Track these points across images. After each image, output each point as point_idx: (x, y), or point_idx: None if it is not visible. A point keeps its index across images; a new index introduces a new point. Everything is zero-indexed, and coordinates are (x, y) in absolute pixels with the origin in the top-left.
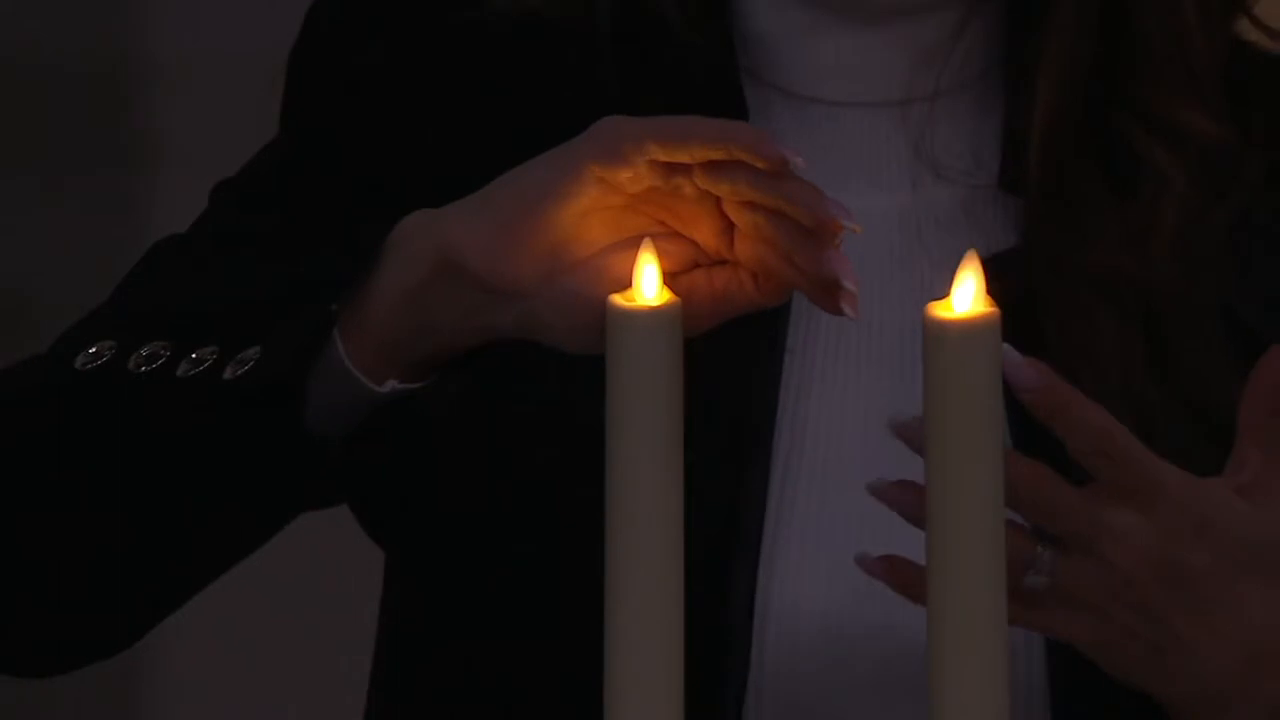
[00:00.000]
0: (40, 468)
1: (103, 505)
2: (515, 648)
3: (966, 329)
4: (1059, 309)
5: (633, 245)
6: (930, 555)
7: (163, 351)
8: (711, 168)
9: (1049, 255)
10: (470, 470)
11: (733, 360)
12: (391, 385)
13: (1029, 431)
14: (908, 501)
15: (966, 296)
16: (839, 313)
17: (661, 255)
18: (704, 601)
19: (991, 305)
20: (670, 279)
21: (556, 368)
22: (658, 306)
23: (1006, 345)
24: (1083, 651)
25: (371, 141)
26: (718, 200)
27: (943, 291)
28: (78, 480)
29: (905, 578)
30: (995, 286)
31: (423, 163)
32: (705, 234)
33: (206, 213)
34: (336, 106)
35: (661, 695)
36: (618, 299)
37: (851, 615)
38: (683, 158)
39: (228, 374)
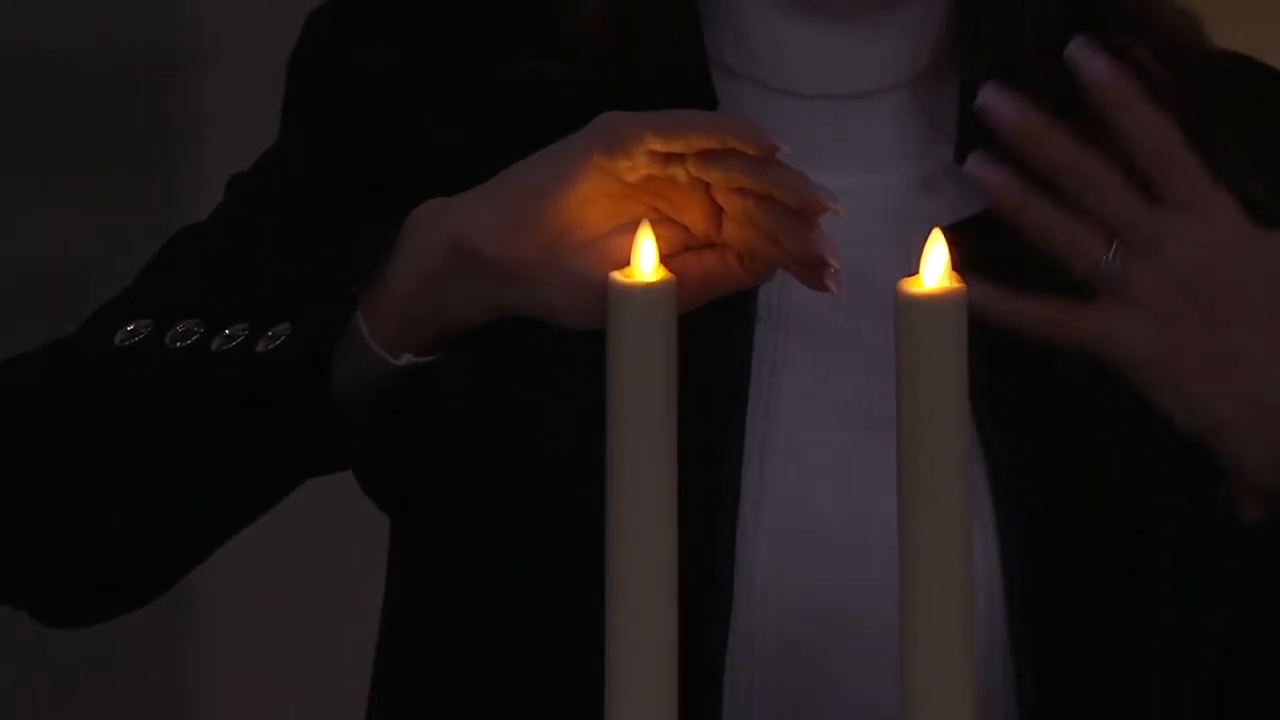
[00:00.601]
0: (80, 436)
1: (137, 470)
2: (515, 648)
3: (934, 303)
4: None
5: (630, 229)
6: (901, 509)
7: (196, 329)
8: (704, 156)
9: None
10: (471, 470)
11: (709, 330)
12: (407, 359)
13: (1000, 399)
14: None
15: (935, 272)
16: (824, 289)
17: (657, 239)
18: (687, 564)
19: (957, 280)
20: (662, 261)
21: (556, 369)
22: (655, 282)
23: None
24: (1133, 371)
25: (371, 143)
26: (708, 187)
27: (911, 266)
28: (115, 447)
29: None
30: (965, 251)
31: (422, 164)
32: (696, 218)
33: (221, 205)
34: (336, 108)
35: (656, 650)
36: (618, 276)
37: (828, 576)
38: (678, 147)
39: (260, 348)
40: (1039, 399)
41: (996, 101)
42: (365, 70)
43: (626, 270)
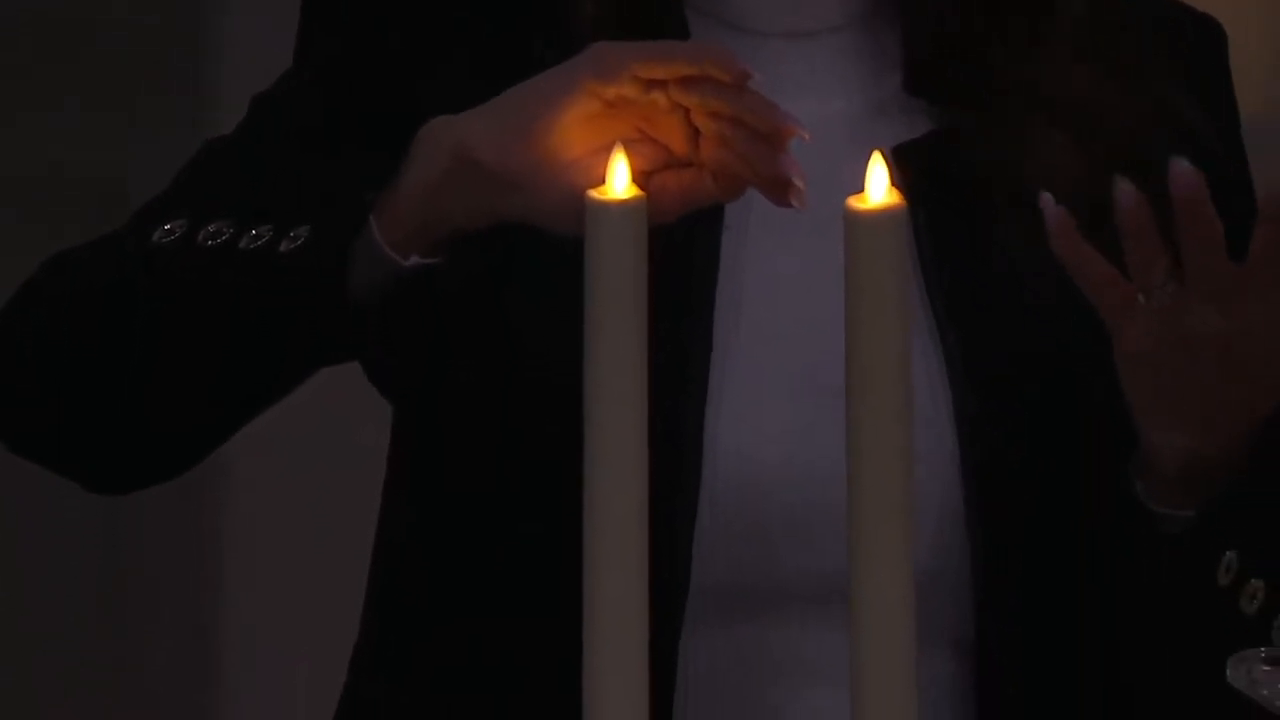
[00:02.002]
0: (120, 322)
1: (169, 355)
2: (519, 626)
3: (877, 217)
4: (989, 179)
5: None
6: (849, 402)
7: (226, 229)
8: (684, 83)
9: (965, 139)
10: (479, 450)
11: (683, 237)
12: (415, 260)
13: (954, 298)
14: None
15: (877, 189)
16: (788, 205)
17: (638, 157)
18: (658, 444)
19: (898, 196)
20: (644, 177)
21: (564, 348)
22: (626, 199)
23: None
24: (1120, 342)
25: (374, 78)
26: (687, 111)
27: (860, 183)
28: (150, 333)
29: (1071, 240)
30: (912, 169)
31: (424, 99)
32: (675, 139)
33: (245, 120)
34: (343, 43)
35: (629, 518)
36: (594, 193)
37: (788, 453)
38: (660, 74)
39: (283, 247)
40: (989, 299)
41: (1185, 172)
42: (373, 8)
43: (602, 188)
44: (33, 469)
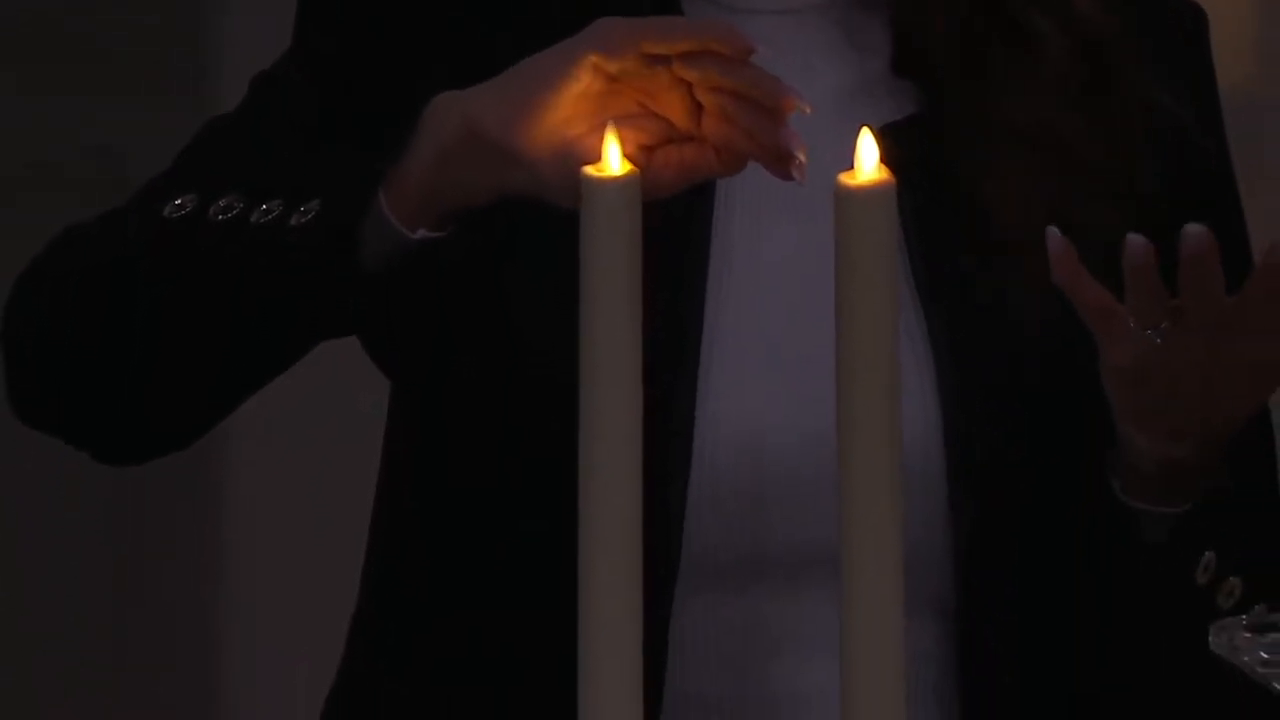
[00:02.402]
0: (130, 295)
1: (179, 328)
2: (520, 619)
3: (867, 193)
4: (968, 164)
5: (620, 123)
6: (839, 374)
7: (237, 203)
8: (686, 58)
9: (957, 116)
10: (481, 447)
11: (674, 214)
12: (422, 233)
13: (938, 277)
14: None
15: (867, 165)
16: (789, 178)
17: (640, 132)
18: (652, 417)
19: (887, 173)
20: (647, 152)
21: (567, 344)
22: (620, 176)
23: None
24: (1109, 355)
25: (370, 78)
26: (689, 86)
27: (849, 158)
28: (161, 306)
29: (1072, 268)
30: (895, 151)
31: (419, 100)
32: (678, 114)
33: (246, 99)
34: (338, 43)
35: (625, 487)
36: (590, 170)
37: (778, 421)
38: (663, 50)
39: (293, 222)
40: (972, 277)
41: (1199, 238)
42: (369, 12)
43: (598, 165)
44: (32, 469)
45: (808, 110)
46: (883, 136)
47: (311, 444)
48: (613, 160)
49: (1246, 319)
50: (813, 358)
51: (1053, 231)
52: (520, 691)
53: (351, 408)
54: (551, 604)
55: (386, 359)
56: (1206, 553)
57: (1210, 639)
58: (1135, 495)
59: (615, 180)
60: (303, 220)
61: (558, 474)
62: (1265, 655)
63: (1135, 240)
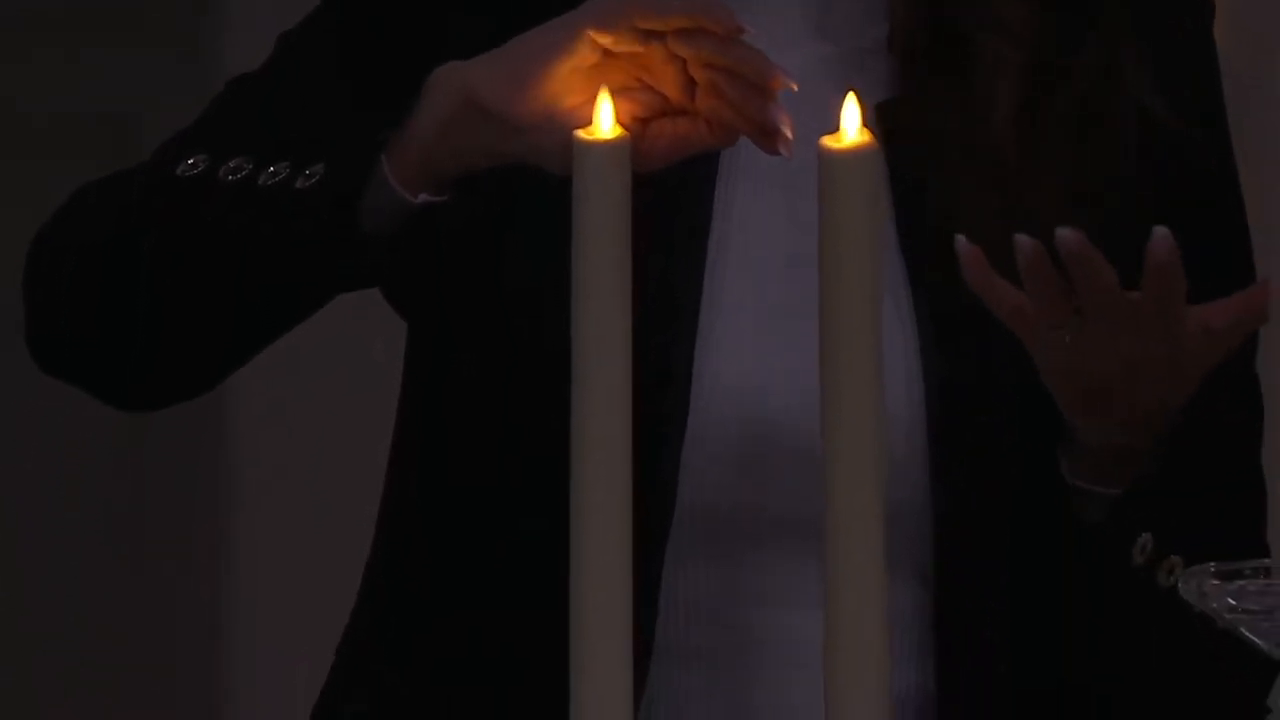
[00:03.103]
0: (138, 253)
1: (190, 284)
2: (520, 619)
3: (850, 156)
4: (923, 157)
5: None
6: (823, 328)
7: (246, 165)
8: (680, 35)
9: (914, 112)
10: (481, 445)
11: (673, 183)
12: (423, 197)
13: (920, 239)
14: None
15: (851, 129)
16: (776, 153)
17: (636, 104)
18: (649, 372)
19: (870, 136)
20: (642, 124)
21: (565, 338)
22: (611, 139)
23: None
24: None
25: (399, 24)
26: (683, 61)
27: (834, 122)
28: (172, 263)
29: (983, 273)
30: (878, 129)
31: (447, 48)
32: (672, 88)
33: (270, 59)
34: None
35: (616, 451)
36: (581, 133)
37: (774, 382)
38: (658, 26)
39: (299, 184)
40: (952, 248)
41: (1071, 240)
42: None
43: (589, 128)
44: (32, 468)
45: (794, 88)
46: (875, 112)
47: (315, 445)
48: (603, 123)
49: (1147, 316)
50: (809, 321)
51: (960, 239)
52: (520, 691)
53: (354, 406)
54: (551, 604)
55: (401, 304)
56: (1143, 535)
57: (1180, 586)
58: (1081, 477)
59: (605, 142)
60: (307, 183)
61: (558, 473)
62: (1232, 602)
63: (1024, 240)
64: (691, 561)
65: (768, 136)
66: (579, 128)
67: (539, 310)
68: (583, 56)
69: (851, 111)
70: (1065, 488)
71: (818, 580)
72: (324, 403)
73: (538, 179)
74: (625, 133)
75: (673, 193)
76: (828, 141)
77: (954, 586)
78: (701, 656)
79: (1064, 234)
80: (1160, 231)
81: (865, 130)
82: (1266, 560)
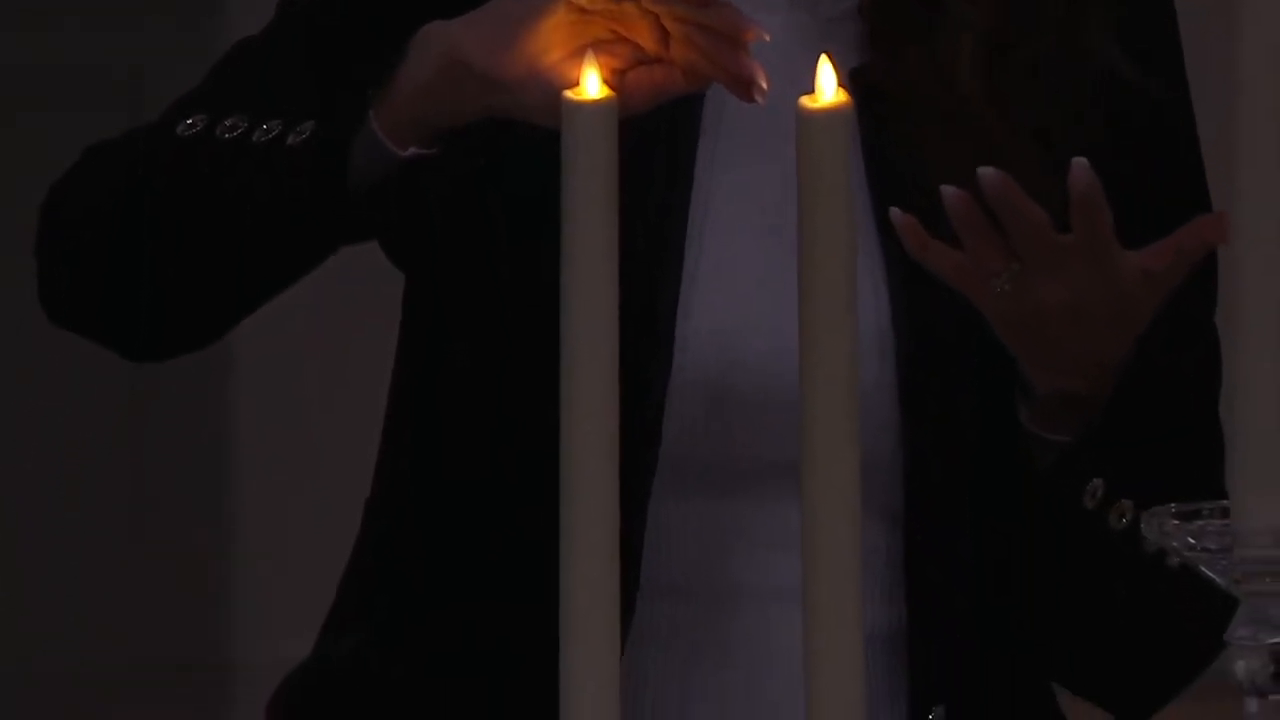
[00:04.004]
0: (142, 210)
1: (194, 238)
2: (515, 612)
3: (825, 115)
4: (896, 118)
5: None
6: (801, 281)
7: (241, 123)
8: None
9: (885, 75)
10: (476, 438)
11: (665, 136)
12: (412, 150)
13: (892, 198)
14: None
15: (826, 89)
16: (752, 101)
17: (613, 56)
18: (633, 321)
19: (845, 96)
20: (619, 75)
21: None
22: (598, 99)
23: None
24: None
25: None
26: (657, 15)
27: (811, 85)
28: (175, 217)
29: (920, 240)
30: (854, 92)
31: (432, 7)
32: (647, 39)
33: (272, 22)
34: None
35: (603, 399)
36: (569, 94)
37: (756, 332)
38: None
39: (290, 140)
40: (923, 205)
41: (989, 177)
42: None
43: (577, 90)
44: (32, 468)
45: (766, 38)
46: (846, 76)
47: (315, 448)
48: (591, 86)
49: (1079, 253)
50: (788, 271)
51: (894, 210)
52: (515, 684)
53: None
54: (546, 597)
55: (398, 256)
56: (1094, 480)
57: (1142, 526)
58: (1038, 425)
59: (593, 103)
60: (299, 139)
61: (552, 466)
62: (1191, 541)
63: (949, 190)
64: (674, 502)
65: (742, 85)
66: (560, 81)
67: (534, 285)
68: (562, 14)
69: (827, 73)
70: (1024, 435)
71: (796, 520)
72: (331, 402)
73: (525, 134)
74: (612, 94)
75: (657, 150)
76: (805, 101)
77: (922, 527)
78: (684, 593)
79: (986, 174)
80: (1078, 162)
81: (841, 90)
82: (1224, 501)
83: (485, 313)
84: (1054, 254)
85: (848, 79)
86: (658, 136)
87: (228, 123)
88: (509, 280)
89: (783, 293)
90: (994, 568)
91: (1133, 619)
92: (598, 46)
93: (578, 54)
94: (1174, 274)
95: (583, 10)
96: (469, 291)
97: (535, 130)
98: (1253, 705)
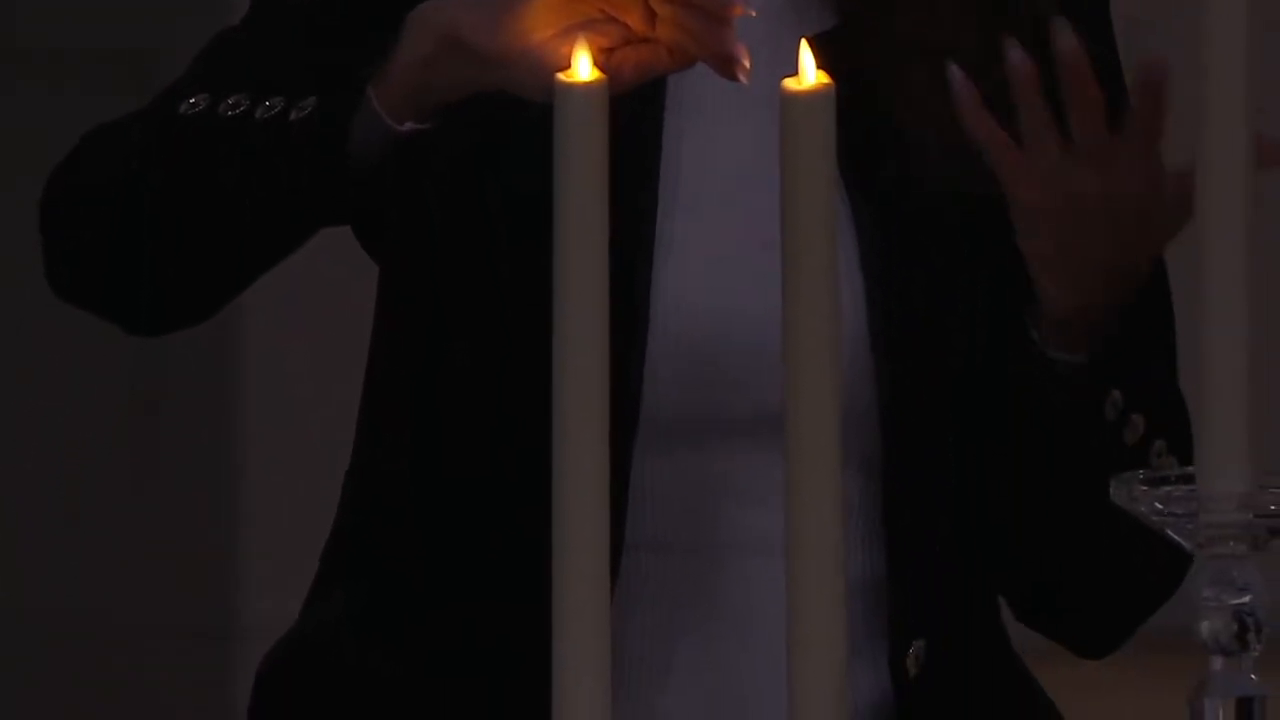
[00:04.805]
0: (144, 188)
1: (193, 214)
2: (515, 611)
3: (809, 97)
4: (883, 72)
5: (580, 27)
6: (785, 253)
7: (244, 101)
8: None
9: (866, 30)
10: (475, 436)
11: (629, 118)
12: (409, 125)
13: (865, 173)
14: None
15: (810, 73)
16: (735, 79)
17: (601, 35)
18: (613, 294)
19: (827, 78)
20: (607, 53)
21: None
22: (589, 81)
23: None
24: (1017, 200)
25: None
26: None
27: (779, 66)
28: (177, 195)
29: (974, 105)
30: (821, 60)
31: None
32: (634, 19)
33: (249, 13)
34: None
35: (594, 366)
36: (562, 76)
37: (725, 301)
38: None
39: (292, 116)
40: (892, 167)
41: (1068, 40)
42: None
43: (569, 72)
44: (32, 467)
45: (753, 14)
46: (812, 47)
47: (325, 446)
48: (582, 68)
49: (1130, 148)
50: (756, 239)
51: (955, 71)
52: (515, 685)
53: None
54: (545, 597)
55: (377, 246)
56: (1114, 391)
57: (1111, 491)
58: (1054, 346)
59: (584, 85)
60: (301, 115)
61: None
62: (1159, 506)
63: (1016, 55)
64: (658, 460)
65: (726, 64)
66: (550, 58)
67: (534, 282)
68: None
69: (808, 57)
70: (1031, 359)
71: (778, 475)
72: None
73: (518, 110)
74: (602, 76)
75: (626, 125)
76: (789, 84)
77: (900, 480)
78: (669, 547)
79: (1062, 35)
80: (1146, 59)
81: (822, 73)
82: (1189, 469)
83: (485, 310)
84: (1102, 141)
85: (821, 48)
86: (624, 106)
87: (230, 101)
88: (509, 279)
89: (757, 258)
90: (972, 511)
91: (1118, 542)
92: (587, 26)
93: (568, 32)
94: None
95: None
96: (468, 289)
97: (528, 107)
98: (1217, 663)
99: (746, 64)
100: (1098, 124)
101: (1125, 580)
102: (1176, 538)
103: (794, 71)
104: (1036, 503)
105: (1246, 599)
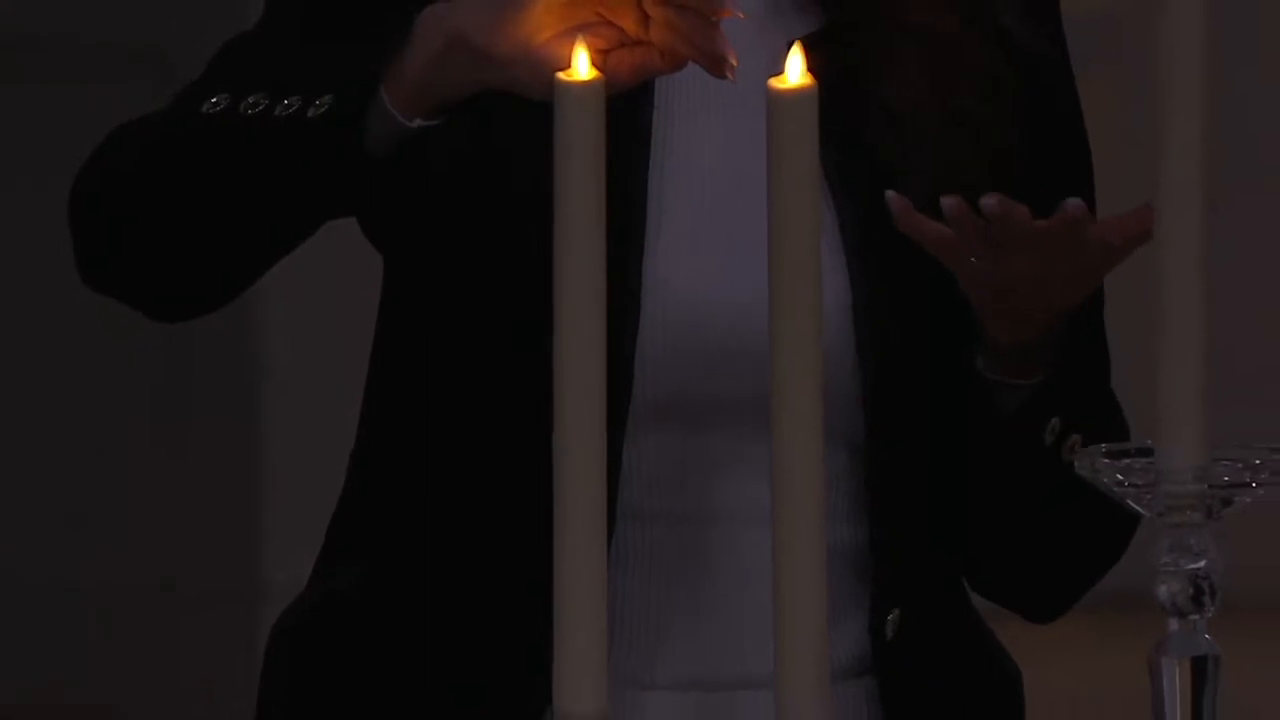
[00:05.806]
0: (171, 180)
1: (215, 208)
2: (513, 590)
3: (794, 96)
4: (870, 71)
5: (579, 29)
6: (771, 244)
7: (264, 99)
8: None
9: (858, 27)
10: (475, 422)
11: (623, 113)
12: (418, 121)
13: (847, 170)
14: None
15: (795, 72)
16: (724, 77)
17: (597, 37)
18: (608, 277)
19: (811, 79)
20: (603, 55)
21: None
22: (588, 80)
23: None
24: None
25: None
26: (638, 1)
27: (770, 64)
28: (200, 191)
29: (907, 215)
30: (811, 55)
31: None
32: (629, 22)
33: (263, 16)
34: None
35: (592, 351)
36: (562, 75)
37: (713, 289)
38: None
39: (310, 113)
40: (874, 170)
41: (990, 205)
42: None
43: (569, 71)
44: (33, 466)
45: (742, 16)
46: (802, 44)
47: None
48: (581, 67)
49: (1050, 247)
50: (743, 231)
51: (890, 193)
52: (514, 661)
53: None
54: (545, 583)
55: (382, 237)
56: (1053, 418)
57: (1075, 465)
58: (994, 371)
59: (583, 84)
60: (318, 112)
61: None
62: (1120, 477)
63: (948, 201)
64: (650, 438)
65: (714, 63)
66: (550, 59)
67: (534, 279)
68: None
69: (796, 58)
70: (979, 381)
71: (763, 453)
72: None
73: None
74: (600, 75)
75: (619, 124)
76: (774, 83)
77: (882, 456)
78: (661, 519)
79: (986, 203)
80: (1073, 202)
81: (807, 74)
82: (1148, 442)
83: (484, 298)
84: (1034, 244)
85: (809, 45)
86: (616, 100)
87: (250, 99)
88: (509, 266)
89: (742, 247)
90: (946, 487)
91: (1061, 528)
92: (585, 29)
93: (567, 35)
94: (1129, 248)
95: None
96: (469, 277)
97: (529, 105)
98: (1174, 625)
99: (734, 63)
100: (1023, 236)
101: (1068, 555)
102: (1136, 507)
103: (780, 71)
104: (982, 488)
105: (1202, 564)
